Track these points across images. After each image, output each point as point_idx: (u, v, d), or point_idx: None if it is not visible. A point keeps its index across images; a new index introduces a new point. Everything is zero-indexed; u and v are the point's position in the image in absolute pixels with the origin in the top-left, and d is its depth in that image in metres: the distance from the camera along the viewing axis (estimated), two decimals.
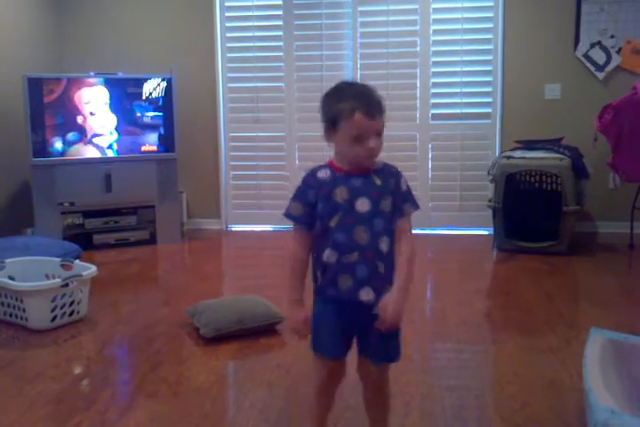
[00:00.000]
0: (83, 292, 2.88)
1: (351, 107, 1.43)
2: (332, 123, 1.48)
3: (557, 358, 2.39)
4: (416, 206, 1.56)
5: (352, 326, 1.56)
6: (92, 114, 4.31)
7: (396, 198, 1.53)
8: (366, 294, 1.50)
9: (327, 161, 1.55)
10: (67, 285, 2.77)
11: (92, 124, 4.32)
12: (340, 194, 1.49)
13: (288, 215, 1.55)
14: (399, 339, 1.59)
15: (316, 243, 1.53)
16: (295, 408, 2.02)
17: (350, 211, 1.48)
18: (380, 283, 1.51)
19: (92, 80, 4.31)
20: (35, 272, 3.04)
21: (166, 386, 2.20)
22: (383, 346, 1.57)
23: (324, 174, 1.51)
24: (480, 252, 4.28)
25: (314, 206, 1.51)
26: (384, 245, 1.50)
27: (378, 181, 1.51)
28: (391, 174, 1.54)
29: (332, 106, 1.47)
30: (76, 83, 4.25)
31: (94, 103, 4.31)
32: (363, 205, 1.49)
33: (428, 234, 4.79)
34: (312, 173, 1.53)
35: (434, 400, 2.06)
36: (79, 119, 4.28)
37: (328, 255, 1.50)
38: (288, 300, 1.56)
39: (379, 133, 1.47)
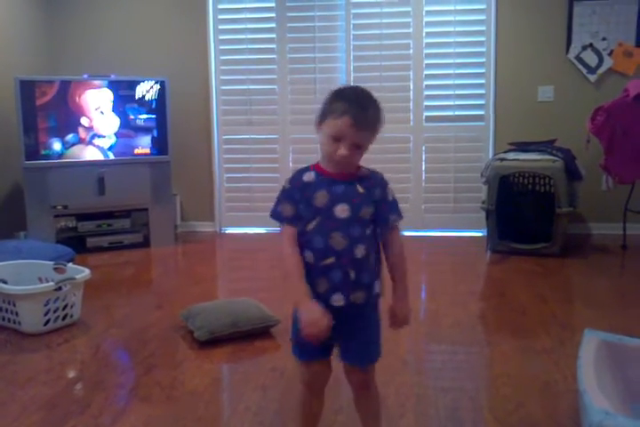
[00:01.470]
0: (76, 295, 2.86)
1: (344, 109, 1.43)
2: (322, 116, 1.49)
3: (551, 360, 2.39)
4: (401, 217, 1.57)
5: (333, 328, 1.54)
6: (84, 116, 4.30)
7: (381, 208, 1.53)
8: (337, 300, 1.50)
9: (314, 163, 1.55)
10: (60, 288, 2.76)
11: (85, 127, 4.31)
12: (321, 198, 1.49)
13: (278, 217, 1.53)
14: (379, 341, 1.61)
15: (299, 243, 1.53)
16: (290, 411, 2.01)
17: (329, 216, 1.49)
18: (349, 289, 1.51)
19: (85, 82, 4.30)
20: (28, 276, 3.03)
21: (160, 390, 2.19)
22: (362, 350, 1.58)
23: (308, 177, 1.52)
24: (473, 253, 4.28)
25: (299, 207, 1.51)
26: (359, 252, 1.50)
27: (360, 189, 1.51)
28: (377, 183, 1.54)
29: (330, 101, 1.48)
30: (68, 85, 4.23)
31: (87, 106, 4.30)
32: (342, 211, 1.49)
33: (421, 236, 4.79)
34: (298, 175, 1.54)
35: (428, 401, 2.06)
36: (72, 122, 4.26)
37: (307, 257, 1.51)
38: (299, 295, 1.47)
39: (357, 146, 1.46)
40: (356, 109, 1.43)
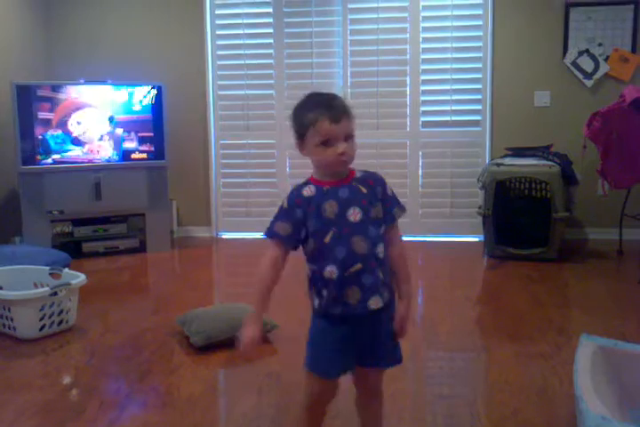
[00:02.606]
0: (72, 301, 2.85)
1: (315, 115, 1.44)
2: (300, 135, 1.49)
3: (548, 365, 2.39)
4: (404, 209, 1.57)
5: (359, 340, 1.53)
6: (81, 121, 4.29)
7: (385, 204, 1.53)
8: (375, 303, 1.50)
9: (308, 178, 1.54)
10: (55, 293, 2.75)
11: (82, 132, 4.31)
12: (330, 208, 1.48)
13: (274, 235, 1.50)
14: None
15: (314, 260, 1.51)
16: (286, 417, 2.00)
17: (344, 223, 1.47)
18: (382, 290, 1.51)
19: (81, 87, 4.29)
20: (23, 281, 3.02)
21: (156, 396, 2.18)
22: (393, 351, 1.58)
23: (308, 192, 1.50)
24: (470, 258, 4.29)
25: (302, 225, 1.49)
26: (380, 252, 1.50)
27: (364, 189, 1.51)
28: (376, 181, 1.54)
29: (298, 119, 1.49)
30: (65, 90, 4.23)
31: (84, 111, 4.29)
32: (355, 215, 1.48)
33: (418, 241, 4.79)
34: (297, 192, 1.51)
35: (425, 408, 2.06)
36: (68, 127, 4.26)
37: (330, 272, 1.48)
38: (252, 317, 1.54)
39: (348, 137, 1.46)
40: (324, 108, 1.45)
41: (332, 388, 1.58)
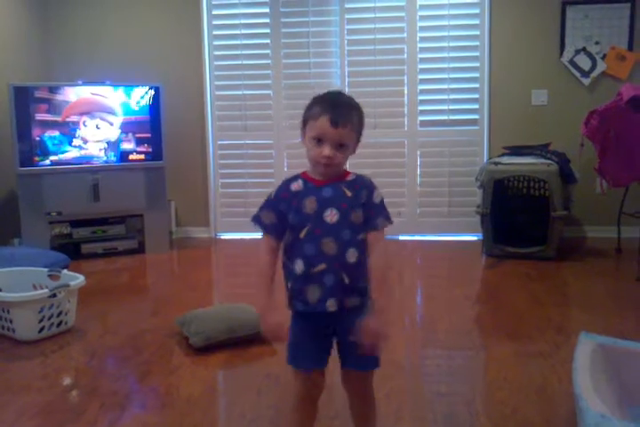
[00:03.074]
0: (71, 302, 2.85)
1: (320, 110, 1.47)
2: (304, 122, 1.53)
3: (547, 363, 2.39)
4: (390, 221, 1.54)
5: (328, 336, 1.56)
6: (78, 123, 4.29)
7: (368, 211, 1.51)
8: (332, 305, 1.50)
9: (301, 172, 1.57)
10: (54, 295, 2.75)
11: (79, 133, 4.30)
12: (310, 205, 1.50)
13: (258, 221, 1.56)
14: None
15: (288, 253, 1.54)
16: (285, 418, 2.00)
17: (319, 222, 1.49)
18: (344, 294, 1.50)
19: (79, 88, 4.29)
20: (22, 283, 3.01)
21: (155, 396, 2.18)
22: (360, 356, 1.54)
23: (296, 186, 1.54)
24: (469, 257, 4.29)
25: (284, 217, 1.53)
26: (351, 257, 1.49)
27: (348, 192, 1.51)
28: (364, 186, 1.53)
29: (308, 107, 1.52)
30: (63, 91, 4.23)
31: (82, 112, 4.29)
32: (331, 216, 1.49)
33: (416, 240, 4.79)
34: (285, 186, 1.56)
35: (424, 407, 2.06)
36: (66, 128, 4.26)
37: (298, 266, 1.51)
38: (263, 302, 1.53)
39: (340, 144, 1.47)
40: (332, 109, 1.47)
41: (313, 382, 1.57)
